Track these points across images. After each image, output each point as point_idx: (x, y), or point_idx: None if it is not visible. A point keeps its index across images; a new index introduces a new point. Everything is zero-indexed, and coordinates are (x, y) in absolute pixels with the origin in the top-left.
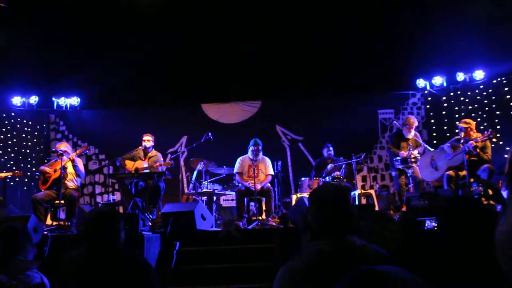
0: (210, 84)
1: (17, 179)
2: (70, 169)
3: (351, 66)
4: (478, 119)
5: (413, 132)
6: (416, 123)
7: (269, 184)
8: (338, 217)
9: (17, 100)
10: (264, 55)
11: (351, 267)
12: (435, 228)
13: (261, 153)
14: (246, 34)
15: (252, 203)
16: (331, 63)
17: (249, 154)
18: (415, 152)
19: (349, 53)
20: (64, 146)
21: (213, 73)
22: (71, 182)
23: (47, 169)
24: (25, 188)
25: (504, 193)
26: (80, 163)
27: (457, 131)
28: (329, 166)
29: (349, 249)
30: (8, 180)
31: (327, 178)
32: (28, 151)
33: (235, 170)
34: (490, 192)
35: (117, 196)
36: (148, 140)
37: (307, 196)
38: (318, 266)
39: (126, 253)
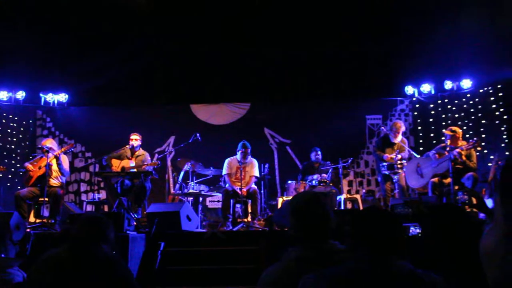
0: (200, 85)
1: (0, 175)
2: (55, 166)
3: (340, 71)
4: (464, 127)
5: (400, 137)
6: (403, 128)
7: (255, 187)
8: (316, 223)
9: (3, 95)
10: (254, 58)
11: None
12: (419, 235)
13: (249, 156)
14: (237, 36)
15: (238, 205)
16: (321, 68)
17: (238, 156)
18: (399, 157)
19: (339, 59)
20: (49, 143)
21: (203, 74)
22: (56, 179)
23: (30, 166)
24: (8, 184)
25: (488, 201)
26: (65, 160)
27: (443, 138)
28: (316, 176)
29: (328, 253)
30: None
31: (313, 182)
32: (13, 147)
33: (224, 172)
34: (474, 200)
35: (102, 195)
36: (135, 139)
37: None
38: (295, 271)
39: (108, 257)
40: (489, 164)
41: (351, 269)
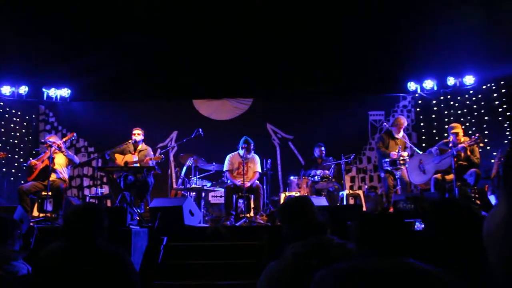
0: (202, 80)
1: (4, 169)
2: (58, 159)
3: (343, 67)
4: (467, 124)
5: (401, 133)
6: (405, 124)
7: (258, 182)
8: (309, 219)
9: (6, 90)
10: (256, 53)
11: (325, 265)
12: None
13: (252, 152)
14: (240, 32)
15: (240, 200)
16: (324, 64)
17: (240, 152)
18: (405, 154)
19: (342, 55)
20: (53, 138)
21: (205, 69)
22: (59, 174)
23: (35, 161)
24: (11, 178)
25: (491, 198)
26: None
27: (446, 134)
28: (319, 172)
29: (325, 247)
30: None
31: (315, 177)
32: (16, 141)
33: (224, 168)
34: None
35: (105, 189)
36: (138, 134)
37: (295, 194)
38: (293, 267)
39: (107, 249)
40: (492, 161)
41: (359, 265)
